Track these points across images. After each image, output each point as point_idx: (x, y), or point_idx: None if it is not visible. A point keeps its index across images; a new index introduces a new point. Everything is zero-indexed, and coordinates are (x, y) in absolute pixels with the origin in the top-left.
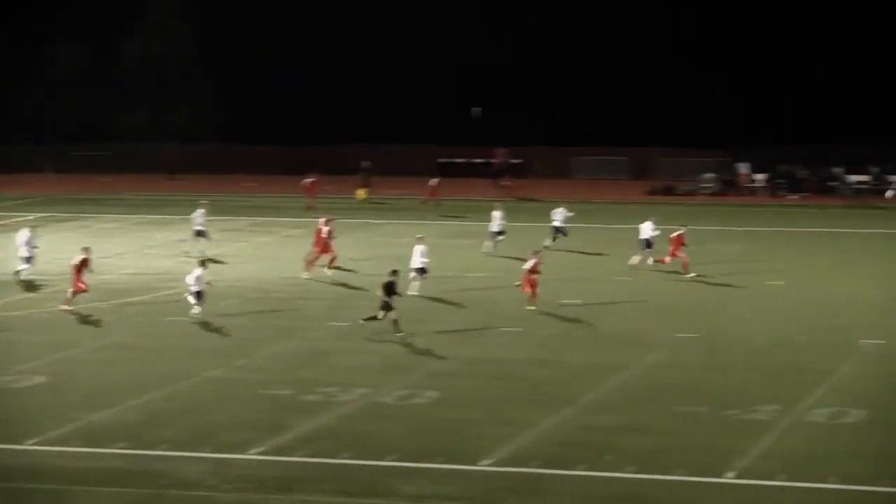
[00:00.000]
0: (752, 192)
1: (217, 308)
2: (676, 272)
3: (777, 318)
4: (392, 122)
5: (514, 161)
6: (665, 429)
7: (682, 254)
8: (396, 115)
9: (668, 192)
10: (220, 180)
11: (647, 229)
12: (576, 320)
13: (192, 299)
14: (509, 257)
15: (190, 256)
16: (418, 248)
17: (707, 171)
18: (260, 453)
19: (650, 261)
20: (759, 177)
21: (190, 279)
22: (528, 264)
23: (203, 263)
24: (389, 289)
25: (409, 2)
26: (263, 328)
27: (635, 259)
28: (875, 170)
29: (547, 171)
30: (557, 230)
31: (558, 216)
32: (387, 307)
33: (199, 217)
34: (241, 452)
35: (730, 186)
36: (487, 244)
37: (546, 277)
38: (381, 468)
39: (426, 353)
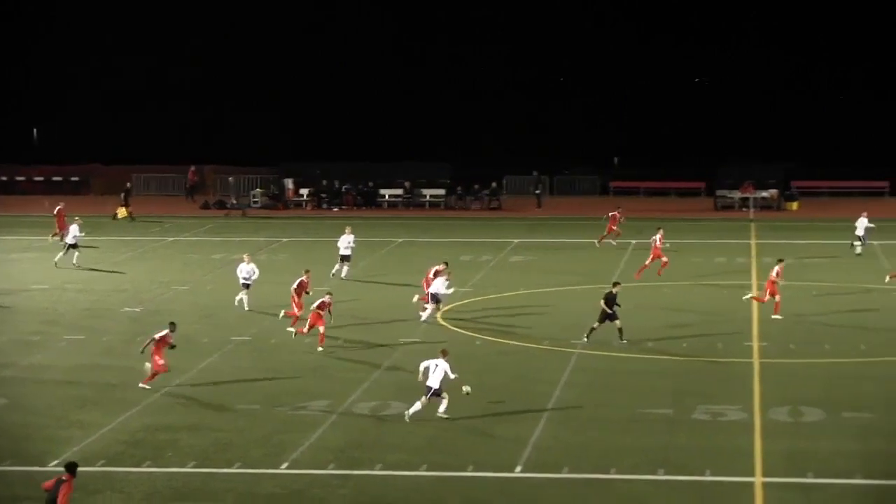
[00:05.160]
0: (298, 205)
1: None
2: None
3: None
4: None
5: (73, 178)
6: (223, 426)
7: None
8: None
9: (221, 206)
10: None
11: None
12: (136, 327)
13: None
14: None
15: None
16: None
17: (256, 187)
18: None
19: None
20: (304, 191)
21: None
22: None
23: None
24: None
25: None
26: None
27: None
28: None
29: (107, 189)
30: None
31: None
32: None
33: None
34: None
35: (278, 201)
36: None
37: (105, 288)
38: None
39: None
